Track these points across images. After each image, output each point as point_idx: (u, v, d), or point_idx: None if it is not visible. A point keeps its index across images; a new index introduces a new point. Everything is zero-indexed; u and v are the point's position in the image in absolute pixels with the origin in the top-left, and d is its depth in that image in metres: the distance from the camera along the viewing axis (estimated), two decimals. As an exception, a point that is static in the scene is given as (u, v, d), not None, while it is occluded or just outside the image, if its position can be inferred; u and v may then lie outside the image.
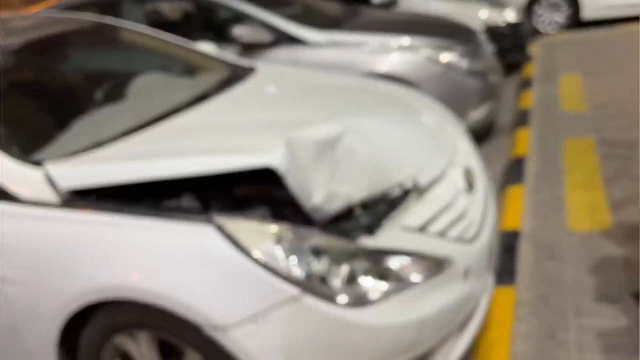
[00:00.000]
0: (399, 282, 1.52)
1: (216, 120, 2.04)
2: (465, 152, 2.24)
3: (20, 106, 2.11)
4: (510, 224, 3.03)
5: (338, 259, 1.47)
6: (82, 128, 1.98)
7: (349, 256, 1.49)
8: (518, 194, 3.34)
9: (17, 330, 1.65)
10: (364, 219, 1.59)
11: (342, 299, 1.43)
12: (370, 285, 1.48)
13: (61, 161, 1.69)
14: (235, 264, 1.40)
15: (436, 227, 1.70)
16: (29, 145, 1.79)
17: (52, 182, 1.61)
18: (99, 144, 1.81)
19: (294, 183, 1.47)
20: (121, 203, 1.57)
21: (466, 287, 1.74)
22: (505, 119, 4.71)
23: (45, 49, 2.46)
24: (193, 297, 1.39)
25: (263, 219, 1.58)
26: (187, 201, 1.63)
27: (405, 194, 1.75)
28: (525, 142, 4.11)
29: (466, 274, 1.73)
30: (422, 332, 1.55)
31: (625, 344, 2.04)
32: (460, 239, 1.76)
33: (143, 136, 1.87)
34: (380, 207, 1.67)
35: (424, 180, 1.82)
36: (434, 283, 1.58)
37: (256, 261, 1.39)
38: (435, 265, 1.60)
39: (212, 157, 1.58)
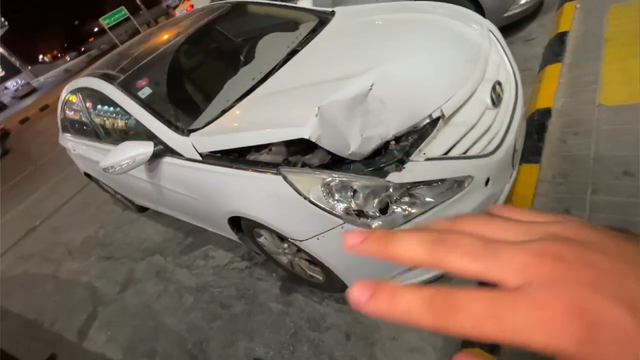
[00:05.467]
0: (422, 205, 1.86)
1: (285, 84, 2.52)
2: (497, 65, 2.36)
3: (181, 90, 3.08)
4: (543, 102, 3.11)
5: (373, 194, 1.86)
6: (216, 99, 2.75)
7: (381, 189, 1.85)
8: (555, 72, 3.41)
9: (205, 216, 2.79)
10: (396, 152, 1.91)
11: (376, 223, 1.86)
12: (398, 211, 1.86)
13: (197, 132, 2.51)
14: (299, 203, 1.97)
15: (459, 149, 1.96)
16: (184, 121, 2.69)
17: (194, 147, 2.47)
18: (220, 113, 2.56)
19: (328, 143, 1.84)
20: (232, 159, 2.32)
21: (488, 191, 2.01)
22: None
23: (197, 39, 3.44)
24: (277, 222, 2.12)
25: (321, 161, 2.08)
26: (270, 156, 2.26)
27: (434, 122, 1.98)
28: (570, 16, 4.04)
29: (487, 182, 2.00)
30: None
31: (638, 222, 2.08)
32: (482, 154, 1.98)
33: (242, 105, 2.53)
34: (411, 138, 1.94)
35: (451, 107, 2.01)
36: (453, 199, 1.89)
37: (310, 201, 1.94)
38: (455, 185, 1.90)
39: (272, 130, 2.10)
